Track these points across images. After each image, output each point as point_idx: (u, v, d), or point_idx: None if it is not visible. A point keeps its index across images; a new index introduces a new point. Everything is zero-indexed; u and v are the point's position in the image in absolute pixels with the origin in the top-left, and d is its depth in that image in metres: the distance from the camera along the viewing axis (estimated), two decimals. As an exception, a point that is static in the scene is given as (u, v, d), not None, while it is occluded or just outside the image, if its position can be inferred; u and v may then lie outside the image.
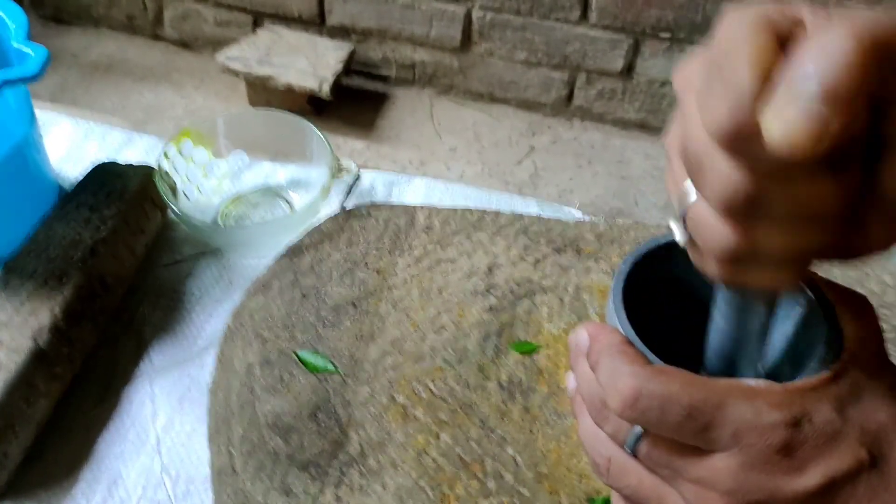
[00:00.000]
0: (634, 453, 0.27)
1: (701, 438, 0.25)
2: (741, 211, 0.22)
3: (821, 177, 0.21)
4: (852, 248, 0.24)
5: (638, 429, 0.27)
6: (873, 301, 0.29)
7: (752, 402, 0.24)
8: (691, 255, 0.26)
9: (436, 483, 0.42)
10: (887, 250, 0.24)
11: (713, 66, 0.21)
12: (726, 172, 0.21)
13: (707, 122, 0.21)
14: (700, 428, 0.25)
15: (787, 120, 0.19)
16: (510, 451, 0.44)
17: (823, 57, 0.18)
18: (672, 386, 0.25)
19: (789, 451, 0.24)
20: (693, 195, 0.24)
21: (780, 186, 0.21)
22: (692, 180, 0.23)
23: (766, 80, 0.19)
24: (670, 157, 0.25)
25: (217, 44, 1.99)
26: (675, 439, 0.26)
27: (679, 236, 0.25)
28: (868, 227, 0.23)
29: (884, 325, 0.49)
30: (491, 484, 0.42)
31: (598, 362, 0.28)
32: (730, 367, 0.31)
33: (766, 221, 0.22)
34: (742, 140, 0.20)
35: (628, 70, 1.76)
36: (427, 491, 0.42)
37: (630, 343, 0.28)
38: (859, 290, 0.30)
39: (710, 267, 0.25)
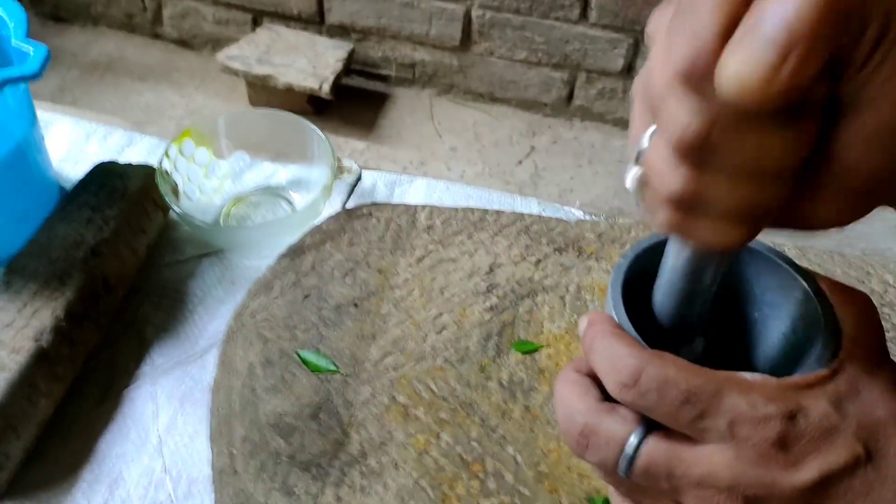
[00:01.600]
0: (629, 475, 0.27)
1: (696, 426, 0.25)
2: (693, 153, 0.22)
3: (772, 130, 0.21)
4: (805, 218, 0.24)
5: (630, 448, 0.26)
6: (875, 300, 0.29)
7: (748, 395, 0.24)
8: (640, 203, 0.26)
9: (437, 483, 0.42)
10: (841, 226, 0.24)
11: (681, 7, 0.21)
12: (683, 111, 0.21)
13: (670, 60, 0.21)
14: (696, 415, 0.25)
15: (738, 63, 0.19)
16: (511, 450, 0.44)
17: (782, 5, 0.18)
18: (670, 370, 0.25)
19: (785, 445, 0.24)
20: (651, 136, 0.24)
21: (732, 134, 0.21)
22: (653, 121, 0.23)
23: (729, 22, 0.19)
24: (635, 103, 0.25)
25: (216, 42, 1.99)
26: (669, 444, 0.26)
27: (631, 179, 0.25)
28: (821, 195, 0.23)
29: (885, 324, 0.50)
30: (491, 484, 0.42)
31: (594, 345, 0.28)
32: (674, 324, 0.31)
33: (716, 170, 0.22)
34: (699, 79, 0.20)
35: (628, 69, 1.76)
36: (428, 491, 0.42)
37: (623, 328, 0.29)
38: (861, 288, 0.30)
39: (658, 214, 0.25)
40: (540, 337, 0.50)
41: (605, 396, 0.28)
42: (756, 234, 0.24)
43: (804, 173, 0.22)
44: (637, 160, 0.25)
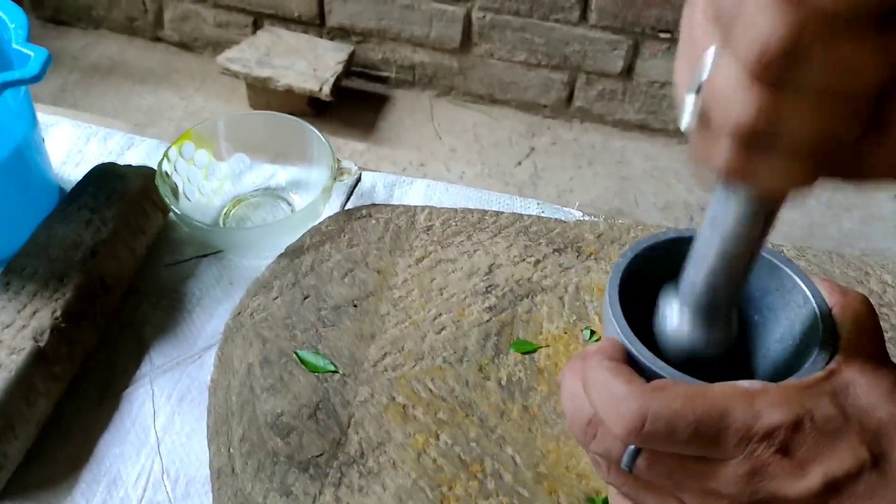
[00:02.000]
0: (631, 470, 0.27)
1: (708, 451, 0.25)
2: (776, 68, 0.19)
3: (864, 39, 0.18)
4: (866, 163, 0.22)
5: (633, 446, 0.26)
6: (873, 300, 0.29)
7: (753, 406, 0.24)
8: (695, 144, 0.23)
9: (435, 483, 0.42)
10: (892, 179, 0.22)
11: None
12: (766, 18, 0.18)
13: None
14: (708, 442, 0.24)
15: None
16: (509, 450, 0.44)
17: None
18: (675, 403, 0.24)
19: (789, 452, 0.24)
20: (716, 56, 0.21)
21: (825, 41, 0.18)
22: (721, 35, 0.20)
23: None
24: (689, 25, 0.23)
25: (217, 45, 1.99)
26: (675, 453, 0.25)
27: (687, 117, 0.22)
28: (888, 134, 0.21)
29: (884, 325, 0.50)
30: (490, 484, 0.42)
31: (592, 381, 0.27)
32: (710, 295, 0.28)
33: (798, 91, 0.19)
34: None
35: (628, 71, 1.76)
36: (426, 491, 0.42)
37: (619, 360, 0.27)
38: (860, 289, 0.30)
39: (718, 154, 0.22)
40: (539, 337, 0.50)
41: None
42: (818, 177, 0.22)
43: (879, 104, 0.20)
44: (697, 90, 0.22)
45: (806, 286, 0.30)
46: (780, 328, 0.32)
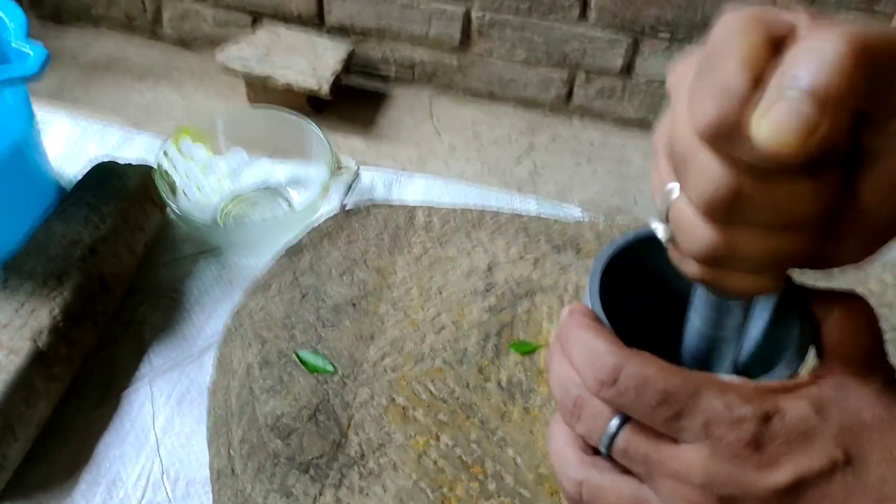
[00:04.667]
0: (609, 453, 0.27)
1: (672, 426, 0.25)
2: (722, 211, 0.22)
3: (801, 181, 0.21)
4: (828, 259, 0.25)
5: (612, 427, 0.27)
6: (873, 300, 0.29)
7: (724, 395, 0.24)
8: (671, 254, 0.26)
9: (436, 485, 0.42)
10: (861, 262, 0.25)
11: (705, 63, 0.21)
12: (710, 170, 0.21)
13: (695, 118, 0.21)
14: (672, 414, 0.25)
15: (775, 119, 0.19)
16: (510, 452, 0.44)
17: (816, 59, 0.19)
18: (649, 369, 0.25)
19: (759, 446, 0.24)
20: (676, 193, 0.24)
21: (762, 188, 0.21)
22: (677, 177, 0.24)
23: (756, 78, 0.20)
24: (657, 154, 0.26)
25: (216, 43, 1.98)
26: (649, 432, 0.26)
27: (661, 234, 0.26)
28: (844, 238, 0.24)
29: (884, 325, 0.49)
30: (491, 485, 0.42)
31: (571, 335, 0.28)
32: (704, 367, 0.31)
33: (745, 225, 0.22)
34: (728, 138, 0.20)
35: (628, 69, 1.76)
36: (427, 493, 0.42)
37: (602, 323, 0.29)
38: (859, 289, 0.30)
39: (688, 267, 0.25)
40: (539, 337, 0.50)
41: None
42: (783, 277, 0.25)
43: (829, 219, 0.23)
44: (663, 216, 0.25)
45: (787, 286, 0.30)
46: (760, 324, 0.32)
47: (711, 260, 0.24)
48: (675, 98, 0.23)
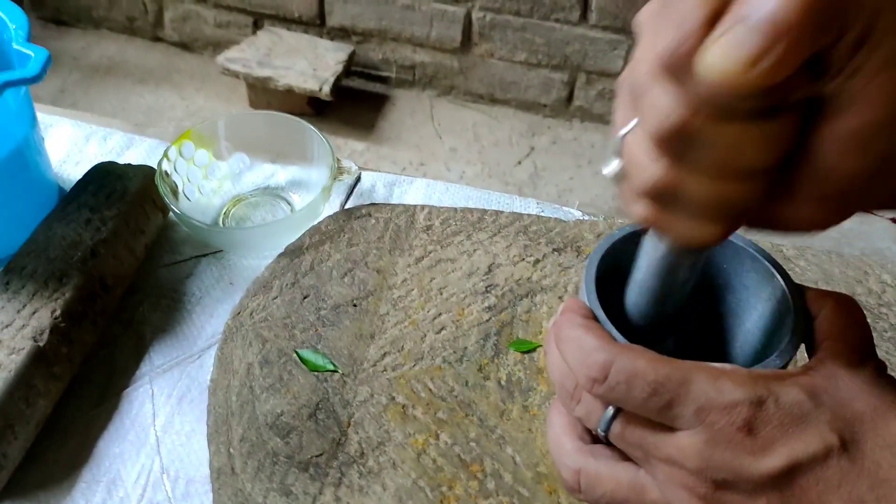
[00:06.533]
0: (607, 437, 0.27)
1: (665, 415, 0.25)
2: (672, 144, 0.22)
3: (751, 125, 0.21)
4: (781, 219, 0.24)
5: (610, 411, 0.27)
6: (873, 300, 0.29)
7: (716, 381, 0.25)
8: (620, 192, 0.26)
9: (435, 483, 0.42)
10: (816, 230, 0.24)
11: (667, 2, 0.22)
12: (663, 101, 0.22)
13: (654, 50, 0.21)
14: (664, 404, 0.25)
15: (720, 49, 0.19)
16: (509, 450, 0.44)
17: None
18: (639, 362, 0.25)
19: (752, 430, 0.24)
20: (631, 126, 0.24)
21: (712, 127, 0.21)
22: (634, 109, 0.24)
23: (714, 11, 0.20)
24: (619, 95, 0.26)
25: (217, 45, 1.99)
26: (644, 420, 0.26)
27: (610, 168, 0.26)
28: (800, 198, 0.23)
29: (884, 325, 0.50)
30: (490, 484, 0.42)
31: (563, 334, 0.28)
32: (648, 323, 0.31)
33: (694, 164, 0.22)
34: (682, 69, 0.21)
35: (628, 71, 1.76)
36: (426, 491, 0.42)
37: (594, 319, 0.29)
38: (859, 289, 0.30)
39: (636, 206, 0.25)
40: (538, 336, 0.50)
41: None
42: (731, 231, 0.25)
43: (782, 174, 0.23)
44: (617, 152, 0.25)
45: (781, 276, 0.30)
46: (755, 317, 0.32)
47: (660, 198, 0.24)
48: (640, 36, 0.24)
